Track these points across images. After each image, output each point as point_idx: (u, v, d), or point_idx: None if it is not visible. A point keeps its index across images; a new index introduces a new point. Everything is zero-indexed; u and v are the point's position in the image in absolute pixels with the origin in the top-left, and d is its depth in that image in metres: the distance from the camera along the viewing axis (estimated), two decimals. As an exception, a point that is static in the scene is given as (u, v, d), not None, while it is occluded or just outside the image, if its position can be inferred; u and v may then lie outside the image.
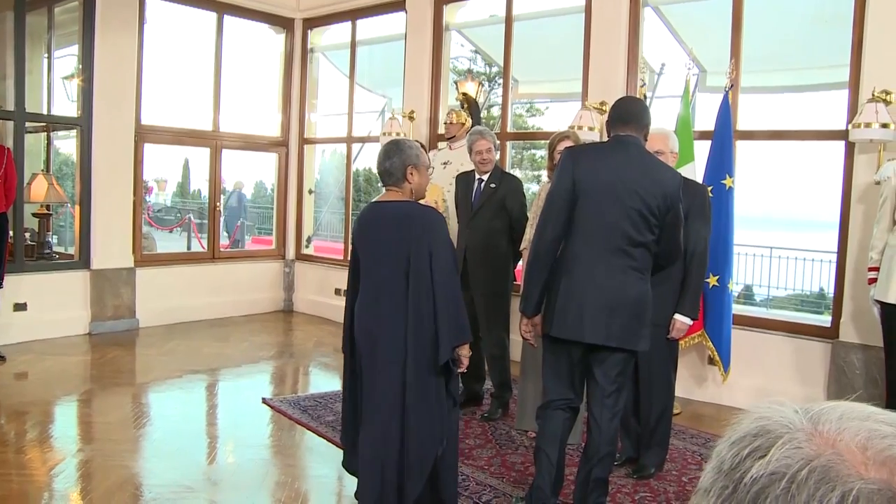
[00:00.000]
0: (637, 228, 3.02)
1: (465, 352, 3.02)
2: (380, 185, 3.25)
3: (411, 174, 3.05)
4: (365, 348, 3.05)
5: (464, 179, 5.00)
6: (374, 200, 3.16)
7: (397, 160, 3.04)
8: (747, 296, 11.07)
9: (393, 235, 2.97)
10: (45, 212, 7.12)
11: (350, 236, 3.24)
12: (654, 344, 3.77)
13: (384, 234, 3.00)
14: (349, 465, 3.32)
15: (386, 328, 2.97)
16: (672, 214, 3.07)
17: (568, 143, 4.36)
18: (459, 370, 3.07)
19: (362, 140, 8.44)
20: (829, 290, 5.86)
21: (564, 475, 3.37)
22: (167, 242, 13.13)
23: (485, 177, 4.87)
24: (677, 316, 3.78)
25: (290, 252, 8.73)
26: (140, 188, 7.51)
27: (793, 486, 0.54)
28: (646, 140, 3.18)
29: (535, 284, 3.17)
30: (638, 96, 5.50)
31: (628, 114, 3.15)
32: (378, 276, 3.01)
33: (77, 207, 7.04)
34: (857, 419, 0.58)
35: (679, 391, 4.62)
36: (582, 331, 3.05)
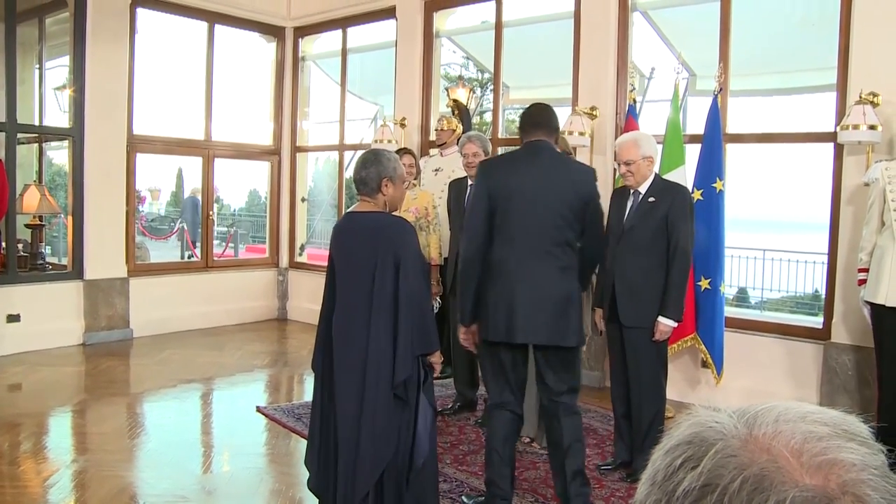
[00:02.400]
0: (558, 228, 3.18)
1: (435, 359, 3.02)
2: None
3: (386, 186, 3.03)
4: (337, 356, 3.01)
5: (456, 186, 5.00)
6: (349, 210, 3.15)
7: (373, 170, 3.02)
8: (741, 298, 11.09)
9: (363, 246, 2.96)
10: (38, 223, 7.10)
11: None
12: (640, 347, 3.81)
13: (356, 244, 2.99)
14: (315, 486, 3.16)
15: (353, 338, 2.95)
16: (591, 209, 3.23)
17: None
18: (435, 376, 3.09)
19: (354, 147, 8.44)
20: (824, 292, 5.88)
21: (515, 474, 3.48)
22: (161, 252, 13.09)
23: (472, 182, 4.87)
24: (660, 318, 3.77)
25: (284, 260, 8.72)
26: (133, 198, 7.50)
27: (725, 497, 0.53)
28: (557, 143, 3.36)
29: (466, 294, 3.31)
30: (629, 98, 5.53)
31: (537, 119, 3.33)
32: (349, 285, 2.99)
33: (70, 218, 7.02)
34: (792, 420, 0.57)
35: (672, 394, 4.63)
36: (513, 332, 3.19)
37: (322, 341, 3.09)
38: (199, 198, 14.63)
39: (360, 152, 8.61)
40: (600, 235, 3.37)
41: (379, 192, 3.03)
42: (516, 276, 3.19)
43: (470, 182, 4.88)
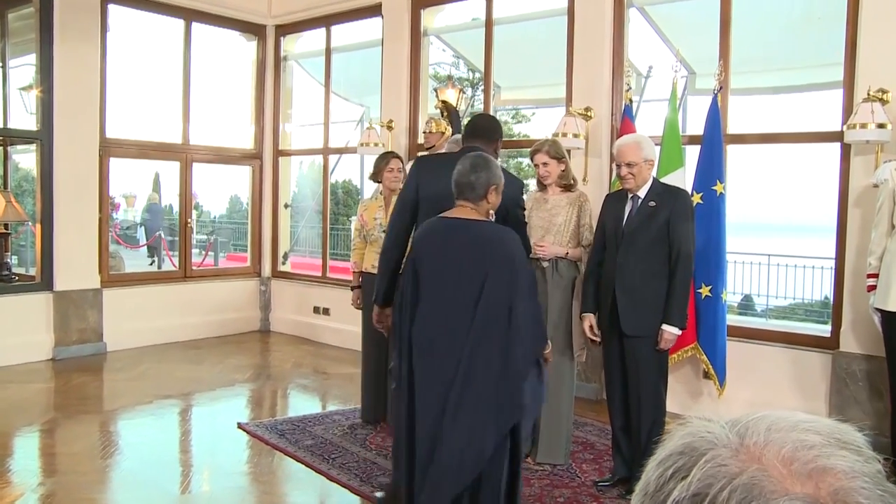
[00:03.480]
0: None
1: (547, 352, 3.21)
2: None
3: (491, 194, 3.08)
4: (422, 359, 3.03)
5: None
6: (446, 216, 3.12)
7: (484, 176, 3.04)
8: (746, 306, 11.11)
9: (470, 255, 2.99)
10: (4, 231, 7.03)
11: (410, 250, 3.24)
12: (643, 357, 3.81)
13: (460, 252, 3.01)
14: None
15: (444, 349, 2.96)
16: (511, 217, 3.46)
17: (541, 157, 4.43)
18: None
19: (339, 151, 8.43)
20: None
21: None
22: (137, 261, 13.02)
23: None
24: (665, 326, 3.77)
25: (267, 269, 8.69)
26: (106, 204, 7.45)
27: None
28: (496, 153, 3.58)
29: (382, 276, 3.62)
30: (626, 98, 5.53)
31: (477, 129, 3.65)
32: (444, 294, 3.01)
33: (38, 226, 6.95)
34: (784, 430, 0.58)
35: (672, 406, 4.61)
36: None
37: (406, 349, 3.10)
38: (160, 204, 14.74)
39: (344, 156, 8.65)
40: (524, 242, 3.51)
41: (484, 200, 3.07)
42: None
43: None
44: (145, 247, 14.16)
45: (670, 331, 3.78)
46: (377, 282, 3.70)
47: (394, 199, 4.50)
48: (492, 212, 3.20)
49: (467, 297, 2.96)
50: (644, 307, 3.81)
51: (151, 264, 13.62)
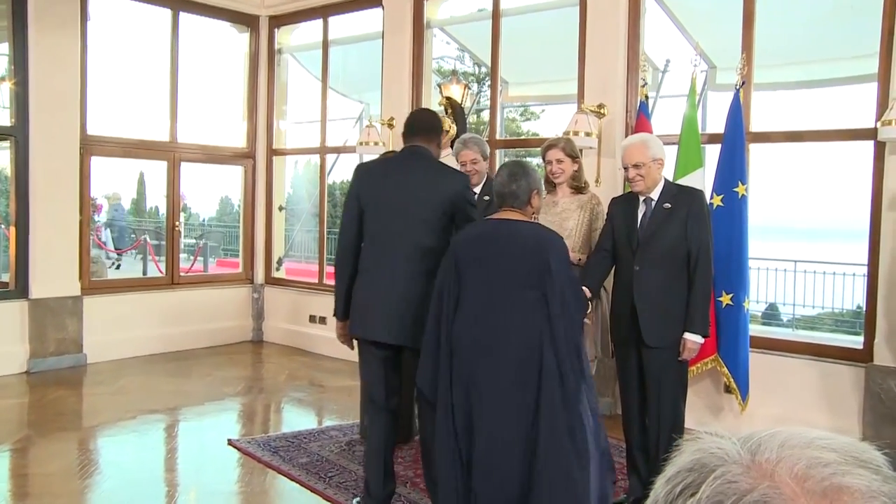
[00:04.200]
0: (424, 234, 3.65)
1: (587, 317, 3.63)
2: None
3: (534, 198, 3.37)
4: (472, 365, 3.18)
5: None
6: (494, 217, 3.39)
7: (524, 183, 3.31)
8: (771, 315, 11.07)
9: (523, 256, 3.23)
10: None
11: (451, 252, 3.42)
12: (664, 369, 3.80)
13: (513, 254, 3.24)
14: None
15: (503, 345, 3.16)
16: (461, 217, 3.67)
17: (556, 153, 4.42)
18: None
19: (337, 150, 8.43)
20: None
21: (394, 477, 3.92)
22: (122, 266, 13.06)
23: (476, 189, 4.86)
24: (687, 335, 3.77)
25: (259, 276, 8.69)
26: (87, 206, 7.45)
27: None
28: (439, 147, 3.85)
29: (338, 290, 3.84)
30: (641, 94, 5.52)
31: (416, 125, 3.84)
32: (495, 295, 3.21)
33: (12, 229, 6.95)
34: (798, 446, 0.59)
35: (691, 422, 4.58)
36: (374, 330, 3.70)
37: (444, 358, 3.25)
38: (123, 203, 14.80)
39: (342, 155, 8.65)
40: None
41: (528, 205, 3.37)
42: (380, 278, 3.68)
43: (475, 190, 4.89)
44: (146, 252, 14.18)
45: (693, 339, 3.78)
46: (336, 294, 3.86)
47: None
48: (535, 215, 3.47)
49: (522, 296, 3.18)
50: (666, 316, 3.81)
51: (116, 265, 13.63)
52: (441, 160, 5.70)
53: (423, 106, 7.24)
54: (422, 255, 3.63)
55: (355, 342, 3.90)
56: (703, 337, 3.84)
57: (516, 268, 3.22)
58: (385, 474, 3.79)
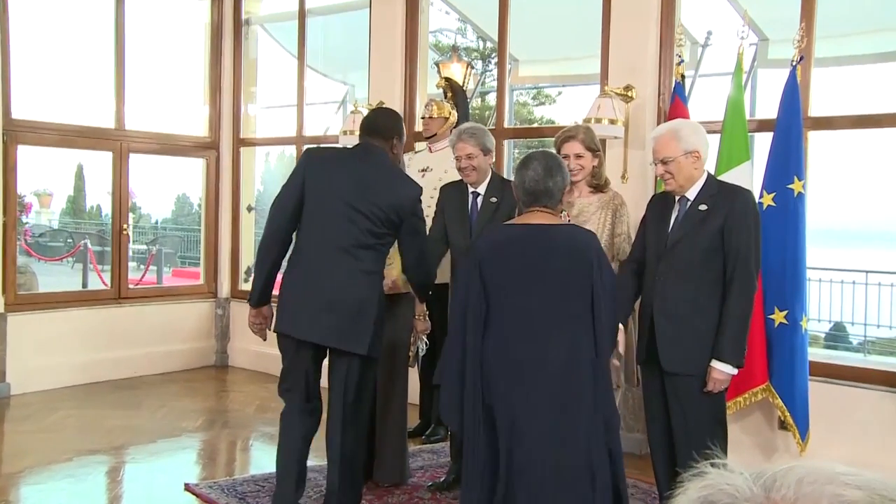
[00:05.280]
0: (362, 232, 3.97)
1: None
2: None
3: (566, 195, 3.56)
4: (513, 390, 3.32)
5: (451, 191, 4.98)
6: (523, 221, 3.51)
7: (560, 180, 3.44)
8: (836, 337, 11.03)
9: (566, 264, 3.40)
10: None
11: (474, 261, 3.53)
12: (688, 401, 3.82)
13: (554, 259, 3.40)
14: None
15: (550, 369, 3.32)
16: (406, 227, 4.05)
17: (574, 146, 4.41)
18: None
19: (317, 140, 8.43)
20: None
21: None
22: (54, 278, 13.04)
23: (480, 189, 4.85)
24: (714, 363, 3.76)
25: (224, 288, 8.72)
26: (13, 205, 7.38)
27: None
28: (393, 150, 4.22)
29: (258, 274, 4.17)
30: (677, 74, 5.54)
31: (373, 126, 4.26)
32: (536, 307, 3.38)
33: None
34: (818, 483, 0.60)
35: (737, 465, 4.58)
36: (299, 327, 4.02)
37: (472, 389, 3.38)
38: (58, 201, 14.84)
39: (323, 146, 8.65)
40: (420, 254, 4.25)
41: (560, 204, 3.53)
42: (312, 271, 4.01)
43: (471, 189, 4.88)
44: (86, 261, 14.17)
45: (721, 369, 3.76)
46: (254, 279, 4.22)
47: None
48: (565, 212, 3.70)
49: (564, 306, 3.38)
50: (690, 337, 3.81)
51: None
52: (440, 152, 5.80)
53: (417, 89, 7.28)
54: (360, 253, 3.99)
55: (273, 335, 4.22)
56: (736, 367, 3.81)
57: (561, 280, 3.38)
58: (299, 477, 4.23)
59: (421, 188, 4.29)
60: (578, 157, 4.41)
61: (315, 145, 6.52)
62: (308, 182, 4.04)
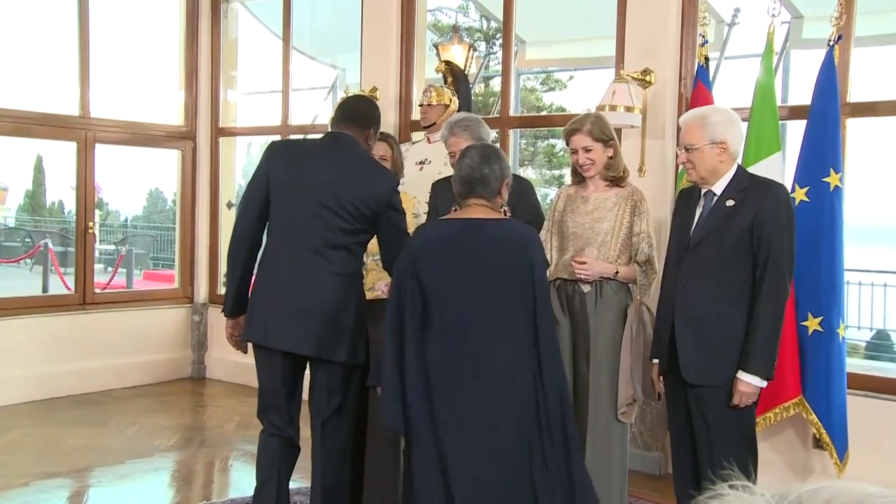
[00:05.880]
0: (332, 230, 4.00)
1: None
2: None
3: (504, 188, 3.65)
4: (454, 401, 3.44)
5: (447, 188, 4.96)
6: (460, 216, 3.68)
7: (497, 168, 3.59)
8: (879, 346, 11.01)
9: (503, 261, 3.53)
10: None
11: (407, 262, 3.63)
12: (712, 416, 3.82)
13: (492, 259, 3.53)
14: None
15: (489, 372, 3.45)
16: (385, 225, 4.08)
17: (581, 139, 4.39)
18: None
19: (304, 130, 8.43)
20: None
21: None
22: (10, 281, 13.05)
23: None
24: (741, 374, 3.75)
25: (202, 293, 8.73)
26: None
27: None
28: (367, 142, 4.26)
29: (230, 281, 4.22)
30: (700, 56, 5.53)
31: (350, 113, 4.30)
32: (475, 309, 3.50)
33: None
34: None
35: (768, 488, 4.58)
36: (269, 335, 4.04)
37: (416, 388, 3.48)
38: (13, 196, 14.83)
39: (312, 136, 8.65)
40: (396, 252, 4.07)
41: (498, 196, 3.63)
42: (280, 274, 4.05)
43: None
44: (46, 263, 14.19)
45: (748, 381, 3.75)
46: (227, 288, 4.28)
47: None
48: (505, 207, 3.78)
49: (502, 308, 3.49)
50: (713, 346, 3.81)
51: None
52: (439, 143, 5.79)
53: (413, 74, 7.28)
54: (331, 254, 4.01)
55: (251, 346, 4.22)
56: (765, 379, 3.79)
57: (500, 280, 3.50)
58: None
59: (397, 178, 4.38)
60: (587, 150, 4.39)
61: (302, 136, 6.44)
62: (272, 178, 4.07)
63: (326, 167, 4.06)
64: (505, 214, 3.80)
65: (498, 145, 4.22)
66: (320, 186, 4.00)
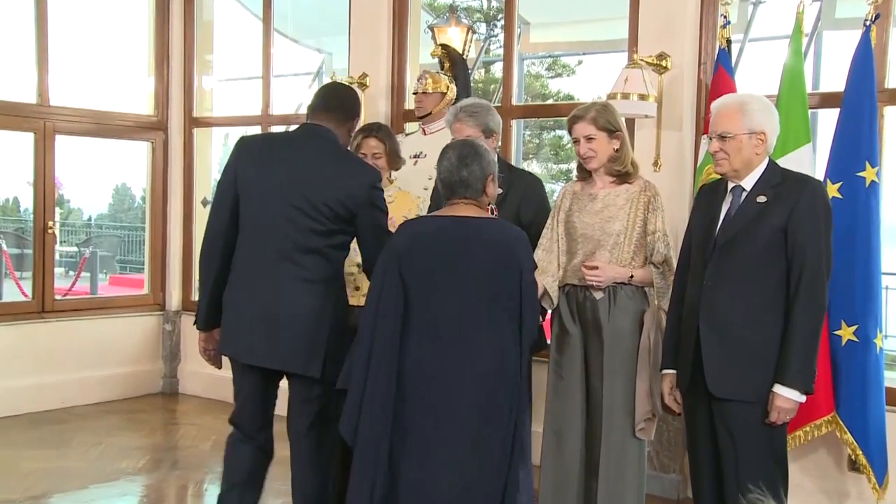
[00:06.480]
0: (303, 233, 4.01)
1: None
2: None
3: (489, 185, 3.81)
4: (431, 401, 3.64)
5: None
6: (446, 213, 3.83)
7: (477, 168, 3.75)
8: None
9: (488, 261, 3.69)
10: None
11: (390, 256, 3.77)
12: (742, 434, 3.81)
13: (478, 255, 3.69)
14: None
15: (476, 374, 3.63)
16: (360, 221, 4.08)
17: (584, 128, 4.39)
18: None
19: (287, 120, 8.41)
20: None
21: None
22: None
23: None
24: (777, 388, 3.72)
25: (174, 299, 8.73)
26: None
27: None
28: (348, 135, 4.37)
29: (202, 292, 4.29)
30: (721, 38, 5.52)
31: (331, 102, 4.29)
32: (458, 310, 3.67)
33: None
34: None
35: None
36: (238, 348, 4.12)
37: (381, 397, 3.64)
38: None
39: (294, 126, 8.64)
40: (376, 253, 4.07)
41: (483, 194, 3.80)
42: (249, 282, 4.09)
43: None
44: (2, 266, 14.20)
45: (786, 395, 3.72)
46: (199, 299, 4.35)
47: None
48: (492, 205, 3.99)
49: (487, 309, 3.66)
50: (743, 355, 3.79)
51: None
52: (435, 134, 5.77)
53: (407, 59, 7.28)
54: (302, 259, 4.04)
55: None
56: (805, 393, 3.76)
57: (487, 280, 3.67)
58: None
59: (379, 173, 4.33)
60: (589, 139, 4.39)
61: (285, 127, 6.42)
62: (240, 177, 4.10)
63: (298, 164, 4.07)
64: (492, 213, 3.98)
65: (481, 144, 4.16)
66: (290, 186, 4.01)
